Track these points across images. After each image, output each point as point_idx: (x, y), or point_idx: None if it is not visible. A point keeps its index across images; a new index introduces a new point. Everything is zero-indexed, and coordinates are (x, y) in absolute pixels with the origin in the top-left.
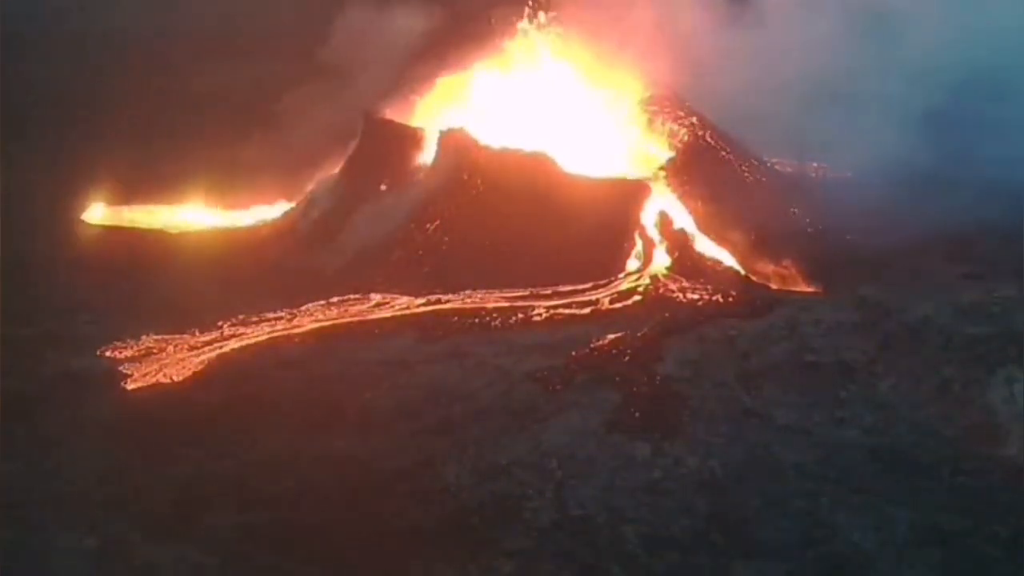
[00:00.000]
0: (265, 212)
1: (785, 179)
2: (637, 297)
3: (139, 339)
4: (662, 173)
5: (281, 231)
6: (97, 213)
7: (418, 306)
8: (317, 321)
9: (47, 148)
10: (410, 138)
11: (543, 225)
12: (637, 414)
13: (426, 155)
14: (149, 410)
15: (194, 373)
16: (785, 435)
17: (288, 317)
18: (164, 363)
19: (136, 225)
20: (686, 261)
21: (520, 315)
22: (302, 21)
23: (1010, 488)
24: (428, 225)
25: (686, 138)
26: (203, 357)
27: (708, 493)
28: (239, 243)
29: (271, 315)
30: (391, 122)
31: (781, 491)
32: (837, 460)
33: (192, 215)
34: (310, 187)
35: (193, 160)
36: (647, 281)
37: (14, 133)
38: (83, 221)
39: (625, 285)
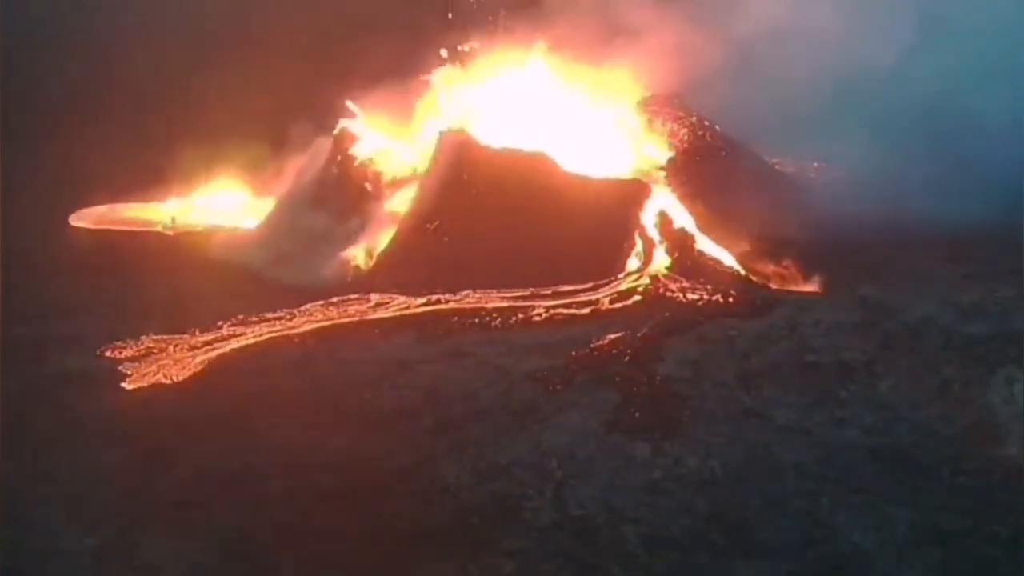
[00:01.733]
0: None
1: (785, 179)
2: (637, 297)
3: (139, 339)
4: (662, 173)
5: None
6: (93, 213)
7: (418, 306)
8: (317, 321)
9: (45, 148)
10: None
11: (543, 225)
12: (637, 414)
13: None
14: (149, 410)
15: (194, 373)
16: (785, 435)
17: (288, 317)
18: (164, 363)
19: (133, 226)
20: (686, 261)
21: (520, 315)
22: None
23: (1010, 488)
24: (428, 225)
25: (686, 138)
26: (203, 357)
27: (708, 493)
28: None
29: (271, 315)
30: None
31: (781, 491)
32: (837, 460)
33: (186, 215)
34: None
35: (188, 159)
36: (647, 281)
37: (13, 133)
38: (81, 221)
39: (625, 285)
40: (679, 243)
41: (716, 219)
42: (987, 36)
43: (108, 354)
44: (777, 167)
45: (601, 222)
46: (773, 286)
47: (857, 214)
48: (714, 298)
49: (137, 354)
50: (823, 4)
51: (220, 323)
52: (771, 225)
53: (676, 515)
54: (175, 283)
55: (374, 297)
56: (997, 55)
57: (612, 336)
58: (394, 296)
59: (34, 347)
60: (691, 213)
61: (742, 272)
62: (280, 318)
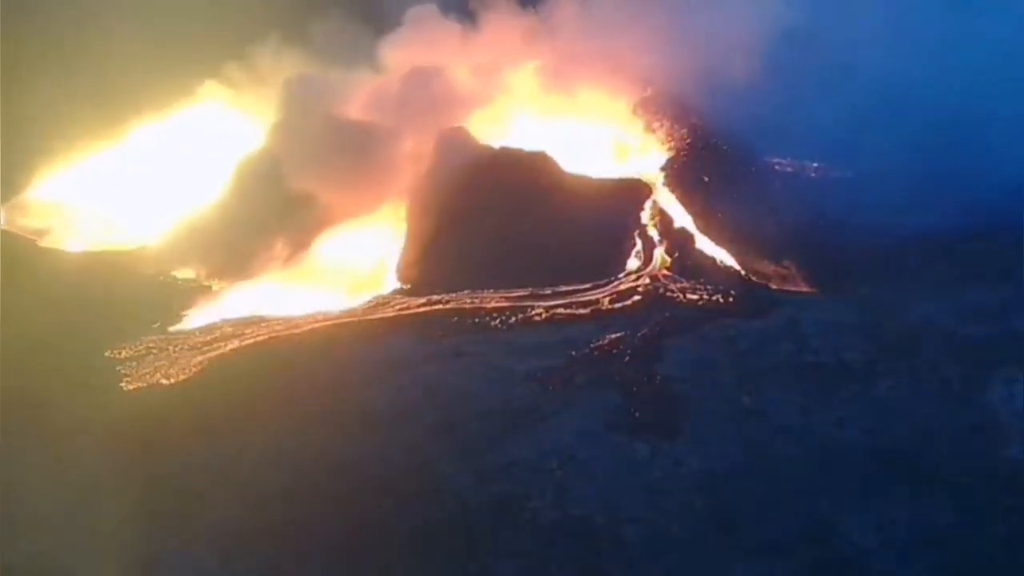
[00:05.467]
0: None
1: (785, 179)
2: (637, 297)
3: (139, 339)
4: (662, 173)
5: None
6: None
7: (418, 306)
8: (317, 321)
9: (44, 146)
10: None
11: (543, 225)
12: (637, 414)
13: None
14: (149, 410)
15: (194, 373)
16: (785, 435)
17: (288, 317)
18: (164, 363)
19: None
20: (686, 261)
21: (520, 315)
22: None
23: (1010, 488)
24: (428, 225)
25: (686, 138)
26: (203, 357)
27: (708, 493)
28: None
29: (271, 315)
30: None
31: (781, 491)
32: (837, 460)
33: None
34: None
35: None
36: (647, 281)
37: (13, 132)
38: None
39: (625, 285)
40: (679, 243)
41: (716, 219)
42: (989, 36)
43: (108, 354)
44: (777, 167)
45: (601, 222)
46: (773, 286)
47: (857, 214)
48: (714, 298)
49: (137, 354)
50: (823, 3)
51: (220, 323)
52: (770, 225)
53: (676, 515)
54: (173, 283)
55: (374, 297)
56: (999, 55)
57: (612, 336)
58: (394, 296)
59: (35, 347)
60: (691, 213)
61: (742, 272)
62: (280, 318)
